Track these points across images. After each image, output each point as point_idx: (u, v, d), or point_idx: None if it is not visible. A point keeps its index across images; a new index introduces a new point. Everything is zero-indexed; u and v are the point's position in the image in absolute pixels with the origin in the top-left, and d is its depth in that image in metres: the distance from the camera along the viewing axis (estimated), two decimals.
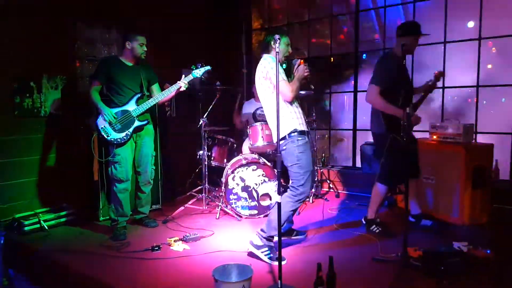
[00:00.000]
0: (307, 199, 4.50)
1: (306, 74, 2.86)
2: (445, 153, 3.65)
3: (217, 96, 4.49)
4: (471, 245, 2.91)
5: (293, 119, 2.89)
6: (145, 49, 3.52)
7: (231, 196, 4.00)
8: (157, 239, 3.33)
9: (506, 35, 4.20)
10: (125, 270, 2.81)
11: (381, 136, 3.32)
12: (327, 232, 3.55)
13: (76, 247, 3.25)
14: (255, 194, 4.02)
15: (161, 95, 3.55)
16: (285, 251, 3.03)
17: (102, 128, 3.38)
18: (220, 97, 4.52)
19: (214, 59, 5.69)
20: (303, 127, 2.92)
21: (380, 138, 3.34)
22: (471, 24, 4.71)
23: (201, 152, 4.36)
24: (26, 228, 3.53)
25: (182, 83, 3.54)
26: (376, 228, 3.42)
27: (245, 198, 4.01)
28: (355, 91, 5.21)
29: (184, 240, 3.29)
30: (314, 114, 4.79)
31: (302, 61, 2.92)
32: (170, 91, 3.54)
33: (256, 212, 4.02)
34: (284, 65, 3.10)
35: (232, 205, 4.01)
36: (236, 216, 3.98)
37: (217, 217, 3.99)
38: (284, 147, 2.88)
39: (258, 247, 2.90)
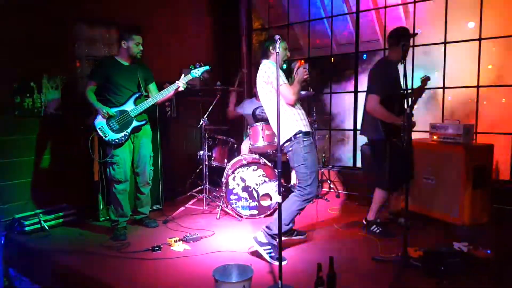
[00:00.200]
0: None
1: (305, 76, 2.93)
2: (445, 154, 3.64)
3: (217, 96, 4.50)
4: (471, 245, 2.92)
5: (297, 120, 2.95)
6: (141, 48, 3.50)
7: (232, 196, 4.01)
8: (158, 239, 3.33)
9: (506, 35, 4.20)
10: (125, 270, 2.81)
11: (379, 142, 3.34)
12: (327, 232, 3.56)
13: (76, 247, 3.25)
14: (255, 194, 4.02)
15: (159, 95, 3.53)
16: (285, 251, 3.04)
17: (100, 128, 3.37)
18: (220, 97, 4.52)
19: (215, 59, 5.71)
20: (307, 128, 2.99)
21: (378, 144, 3.36)
22: (471, 24, 4.71)
23: (201, 152, 4.36)
24: (26, 228, 3.53)
25: (180, 83, 3.52)
26: (376, 229, 3.42)
27: (246, 198, 4.01)
28: (355, 91, 5.20)
29: (184, 240, 3.29)
30: (314, 114, 4.78)
31: (301, 61, 2.94)
32: (169, 91, 3.52)
33: (256, 212, 4.02)
34: (285, 66, 3.12)
35: (232, 205, 4.01)
36: (236, 216, 3.99)
37: (217, 217, 4.00)
38: (290, 148, 2.94)
39: (261, 244, 2.92)
